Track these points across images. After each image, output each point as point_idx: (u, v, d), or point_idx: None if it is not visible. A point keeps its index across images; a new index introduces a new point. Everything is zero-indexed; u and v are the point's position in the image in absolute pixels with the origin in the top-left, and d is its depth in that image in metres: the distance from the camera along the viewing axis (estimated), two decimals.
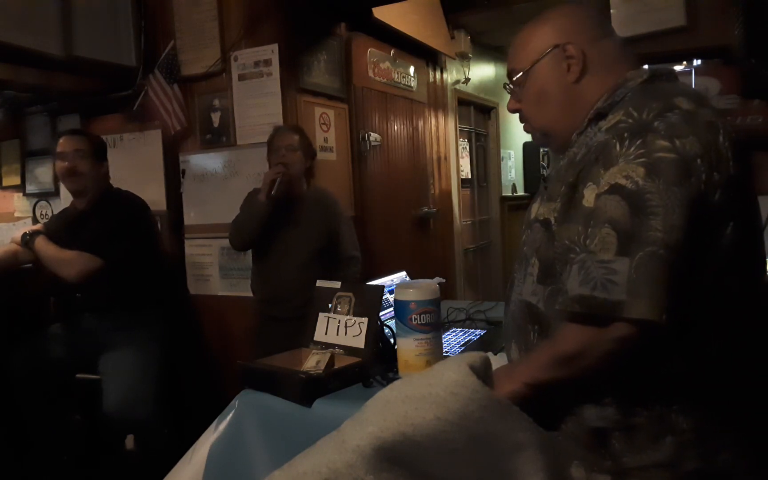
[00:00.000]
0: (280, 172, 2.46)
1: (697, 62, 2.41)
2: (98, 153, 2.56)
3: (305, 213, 2.58)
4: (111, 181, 2.66)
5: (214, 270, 3.07)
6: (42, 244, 2.44)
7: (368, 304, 1.52)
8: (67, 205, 2.72)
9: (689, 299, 0.92)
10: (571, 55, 1.12)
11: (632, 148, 0.95)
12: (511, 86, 1.23)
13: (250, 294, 2.94)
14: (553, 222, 1.05)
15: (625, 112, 1.01)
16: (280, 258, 2.54)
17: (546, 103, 1.17)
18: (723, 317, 0.98)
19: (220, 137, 3.02)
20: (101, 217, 2.47)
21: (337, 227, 2.66)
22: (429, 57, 4.43)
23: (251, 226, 2.49)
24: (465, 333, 1.89)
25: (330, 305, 1.58)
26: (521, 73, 1.18)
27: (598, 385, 0.99)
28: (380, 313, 1.54)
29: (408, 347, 1.35)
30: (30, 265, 2.52)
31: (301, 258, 2.53)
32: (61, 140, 2.52)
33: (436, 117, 4.57)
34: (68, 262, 2.38)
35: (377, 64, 3.77)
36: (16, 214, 3.67)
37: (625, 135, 0.97)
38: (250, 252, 2.87)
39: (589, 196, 0.97)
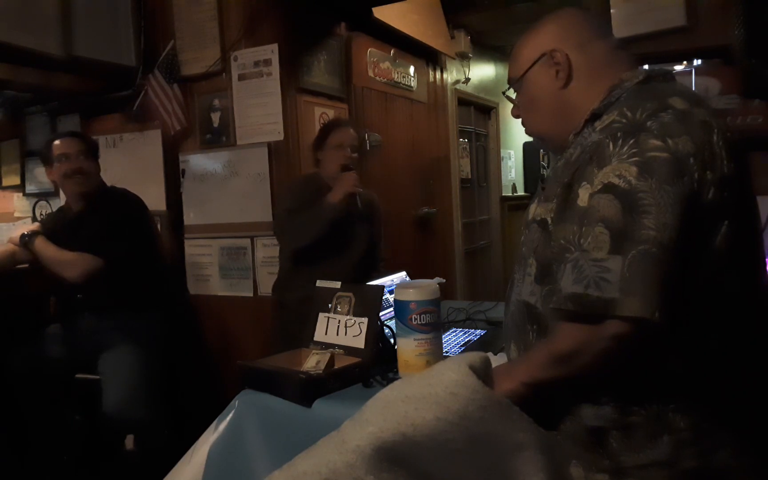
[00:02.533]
0: (358, 184, 2.41)
1: (697, 62, 2.41)
2: (95, 153, 2.61)
3: (360, 217, 2.54)
4: (112, 182, 2.68)
5: (213, 270, 3.07)
6: (42, 246, 2.44)
7: (368, 304, 1.52)
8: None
9: (684, 297, 0.93)
10: (558, 62, 1.16)
11: (625, 148, 0.95)
12: (512, 94, 1.28)
13: (250, 294, 2.94)
14: (549, 222, 1.06)
15: (619, 113, 1.02)
16: (332, 259, 2.45)
17: (538, 109, 1.22)
18: (720, 316, 0.99)
19: (219, 137, 3.01)
20: (99, 216, 2.48)
21: (380, 227, 2.68)
22: (429, 57, 4.43)
23: (319, 227, 2.38)
24: (465, 333, 1.89)
25: (330, 305, 1.58)
26: (516, 82, 1.24)
27: (595, 384, 1.00)
28: (380, 313, 1.54)
29: (408, 347, 1.35)
30: (26, 265, 2.52)
31: (351, 260, 2.50)
32: (59, 143, 2.52)
33: (436, 117, 4.57)
34: (70, 263, 2.38)
35: (377, 64, 3.77)
36: (16, 214, 3.67)
37: (619, 135, 0.97)
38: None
39: (583, 195, 0.98)
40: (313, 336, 1.59)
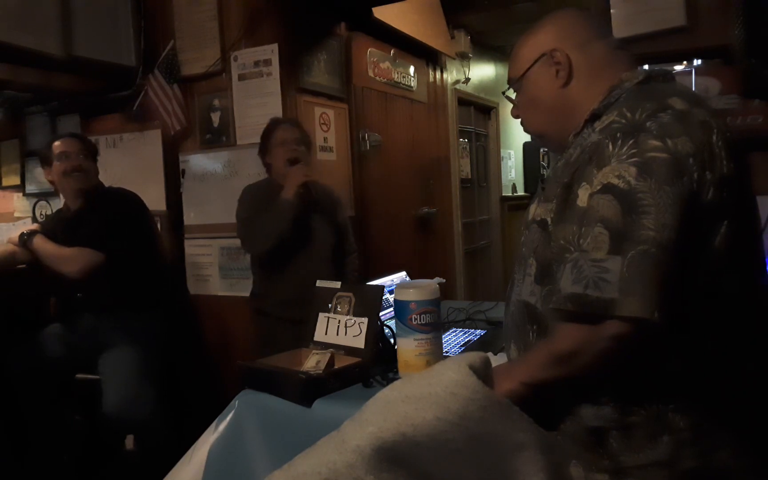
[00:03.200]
0: (307, 173, 2.44)
1: (697, 62, 2.41)
2: (95, 154, 2.63)
3: (319, 208, 2.57)
4: (111, 182, 2.69)
5: (213, 270, 3.07)
6: (41, 243, 2.45)
7: (368, 304, 1.52)
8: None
9: (683, 298, 0.93)
10: (558, 62, 1.16)
11: (625, 148, 0.95)
12: (512, 94, 1.28)
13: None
14: (549, 222, 1.06)
15: (619, 113, 1.02)
16: (302, 256, 2.48)
17: (538, 108, 1.22)
18: (719, 316, 0.99)
19: (220, 137, 3.02)
20: (98, 215, 2.48)
21: (345, 221, 2.69)
22: (429, 57, 4.44)
23: (280, 226, 2.39)
24: (465, 333, 1.89)
25: (330, 305, 1.58)
26: (516, 82, 1.24)
27: (595, 384, 1.00)
28: (380, 313, 1.54)
29: (408, 347, 1.35)
30: (24, 266, 2.52)
31: (322, 254, 2.53)
32: (59, 143, 2.53)
33: (436, 117, 4.57)
34: (70, 258, 2.39)
35: (377, 64, 3.77)
36: (16, 214, 3.67)
37: (618, 135, 0.97)
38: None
39: (583, 195, 0.98)
40: (313, 336, 1.59)
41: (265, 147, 2.56)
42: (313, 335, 1.59)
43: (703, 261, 0.95)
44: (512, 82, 1.26)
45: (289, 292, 2.48)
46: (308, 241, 2.51)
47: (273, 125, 2.58)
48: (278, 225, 2.39)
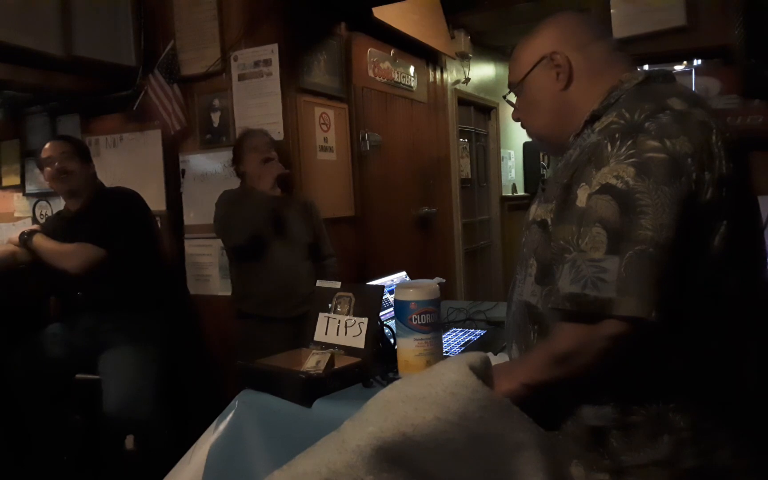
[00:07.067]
0: (281, 167, 2.53)
1: (697, 62, 2.41)
2: (83, 155, 2.60)
3: (294, 210, 2.64)
4: (112, 182, 2.68)
5: (214, 270, 3.07)
6: (41, 241, 2.45)
7: (368, 304, 1.52)
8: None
9: (682, 297, 0.93)
10: (559, 64, 1.16)
11: (623, 149, 0.96)
12: (512, 98, 1.28)
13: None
14: (549, 223, 1.06)
15: (618, 114, 1.02)
16: (279, 253, 2.55)
17: (539, 111, 1.22)
18: (719, 316, 0.99)
19: (220, 137, 3.01)
20: (99, 213, 2.48)
21: (320, 224, 2.75)
22: (429, 57, 4.43)
23: (257, 217, 2.46)
24: (465, 333, 1.89)
25: (330, 305, 1.58)
26: (516, 85, 1.24)
27: (595, 384, 1.00)
28: (380, 313, 1.54)
29: (408, 347, 1.35)
30: (23, 266, 2.52)
31: (299, 252, 2.59)
32: (45, 147, 2.54)
33: (436, 117, 4.57)
34: (71, 253, 2.39)
35: (377, 64, 3.77)
36: (16, 214, 3.67)
37: (617, 136, 0.98)
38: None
39: (581, 196, 0.98)
40: (313, 336, 1.59)
41: (238, 156, 2.62)
42: (313, 335, 1.59)
43: (702, 261, 0.96)
44: (513, 86, 1.26)
45: (269, 291, 2.55)
46: (284, 237, 2.57)
47: (244, 134, 2.66)
48: (255, 216, 2.46)
